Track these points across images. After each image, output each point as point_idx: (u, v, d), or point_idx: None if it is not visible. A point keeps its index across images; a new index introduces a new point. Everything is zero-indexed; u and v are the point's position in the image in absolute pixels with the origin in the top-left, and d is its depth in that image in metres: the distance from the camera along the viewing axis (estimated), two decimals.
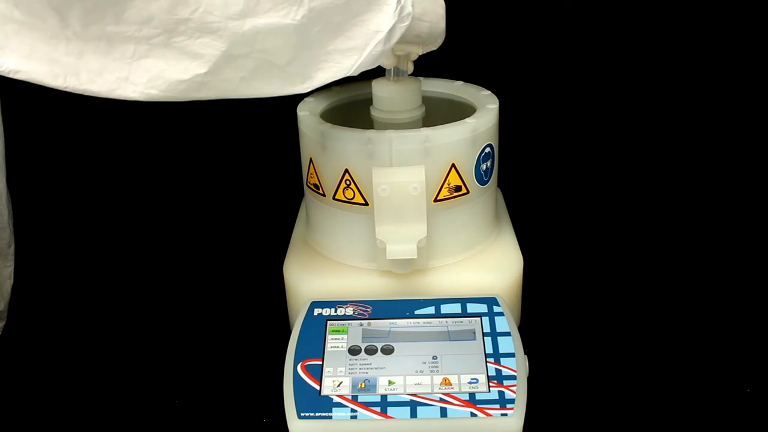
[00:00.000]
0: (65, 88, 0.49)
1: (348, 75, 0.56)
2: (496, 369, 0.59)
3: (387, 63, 0.69)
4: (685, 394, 0.66)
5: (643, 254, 0.88)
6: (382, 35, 0.55)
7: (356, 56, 0.55)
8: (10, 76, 0.48)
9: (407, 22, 0.56)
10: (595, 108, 1.04)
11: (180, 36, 0.49)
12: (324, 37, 0.54)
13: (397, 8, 0.55)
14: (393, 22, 0.55)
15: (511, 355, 0.61)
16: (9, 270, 0.74)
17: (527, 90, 1.01)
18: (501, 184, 0.80)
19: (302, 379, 0.60)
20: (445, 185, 0.67)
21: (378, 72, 0.72)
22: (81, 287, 0.86)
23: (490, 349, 0.61)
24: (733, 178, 1.00)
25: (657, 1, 0.98)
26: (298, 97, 0.75)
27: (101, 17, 0.47)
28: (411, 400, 0.58)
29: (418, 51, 0.67)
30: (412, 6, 0.57)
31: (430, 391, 0.58)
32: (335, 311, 0.66)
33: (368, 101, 0.74)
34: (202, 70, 0.50)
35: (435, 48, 0.66)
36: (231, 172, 1.06)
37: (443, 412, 0.56)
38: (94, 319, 0.80)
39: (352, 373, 0.60)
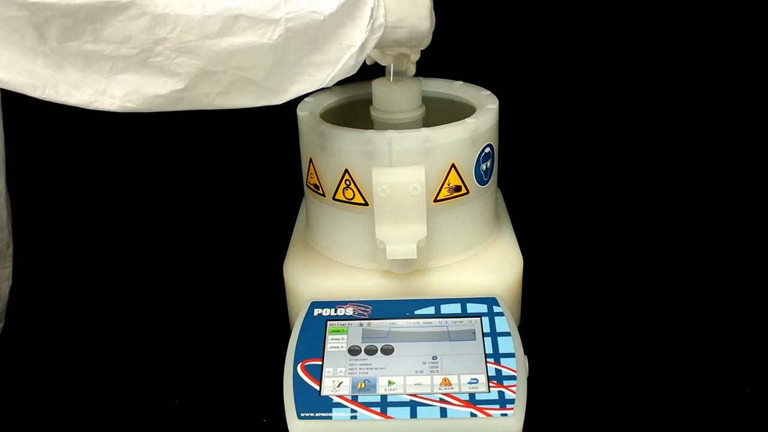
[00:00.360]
0: (44, 98, 0.49)
1: (321, 87, 0.57)
2: (496, 369, 0.59)
3: (383, 61, 0.69)
4: (685, 394, 0.66)
5: (643, 254, 0.88)
6: (354, 49, 0.56)
7: (330, 69, 0.56)
8: None
9: (379, 33, 0.57)
10: (595, 108, 1.04)
11: (158, 56, 0.49)
12: (299, 53, 0.55)
13: (369, 22, 0.56)
14: (365, 36, 0.56)
15: (511, 355, 0.61)
16: (7, 271, 0.74)
17: (527, 90, 1.01)
18: (501, 184, 0.80)
19: (302, 379, 0.59)
20: (445, 185, 0.67)
21: (378, 72, 0.72)
22: (80, 288, 0.85)
23: (490, 350, 0.61)
24: (733, 178, 1.00)
25: (657, 1, 0.98)
26: (296, 98, 0.75)
27: (79, 34, 0.48)
28: (411, 400, 0.57)
29: (407, 51, 0.67)
30: (385, 17, 0.57)
31: (430, 391, 0.58)
32: (335, 311, 0.66)
33: (368, 101, 0.74)
34: (179, 86, 0.51)
35: (423, 47, 0.66)
36: (231, 173, 1.05)
37: (443, 413, 0.56)
38: (94, 319, 0.80)
39: (352, 374, 0.60)
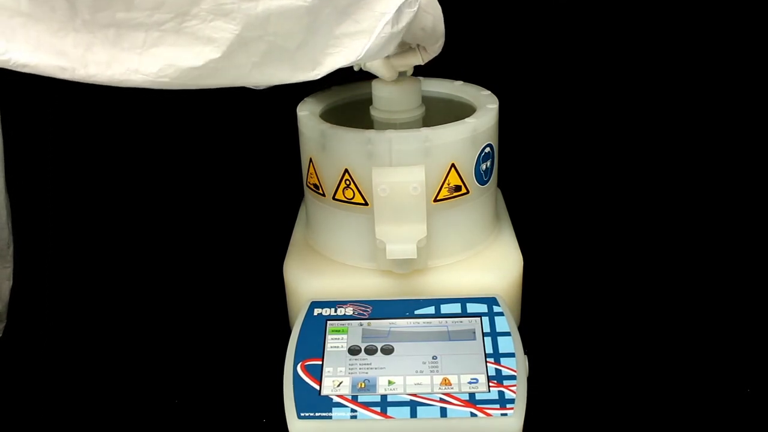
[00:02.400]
0: (73, 79, 0.48)
1: (358, 60, 0.55)
2: (496, 369, 0.59)
3: (388, 75, 0.69)
4: (685, 394, 0.66)
5: (643, 254, 0.88)
6: (389, 17, 0.55)
7: (365, 40, 0.55)
8: (18, 69, 0.47)
9: (414, 8, 0.56)
10: (595, 108, 1.04)
11: (193, 20, 0.48)
12: (332, 21, 0.54)
13: None
14: (398, 3, 0.55)
15: (511, 355, 0.61)
16: (8, 271, 0.74)
17: (527, 90, 1.01)
18: (501, 184, 0.80)
19: (302, 379, 0.59)
20: (445, 185, 0.67)
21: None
22: (81, 288, 0.85)
23: (490, 349, 0.61)
24: (733, 177, 1.00)
25: (657, 0, 0.98)
26: (299, 97, 0.75)
27: (111, 3, 0.46)
28: (411, 400, 0.58)
29: (419, 61, 0.67)
30: None
31: (430, 391, 0.58)
32: (335, 311, 0.66)
33: (368, 101, 0.74)
34: (216, 54, 0.50)
35: (434, 54, 0.66)
36: (231, 172, 1.05)
37: (443, 412, 0.56)
38: (95, 319, 0.80)
39: (352, 373, 0.60)
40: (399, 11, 0.55)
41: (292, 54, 0.53)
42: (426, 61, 0.67)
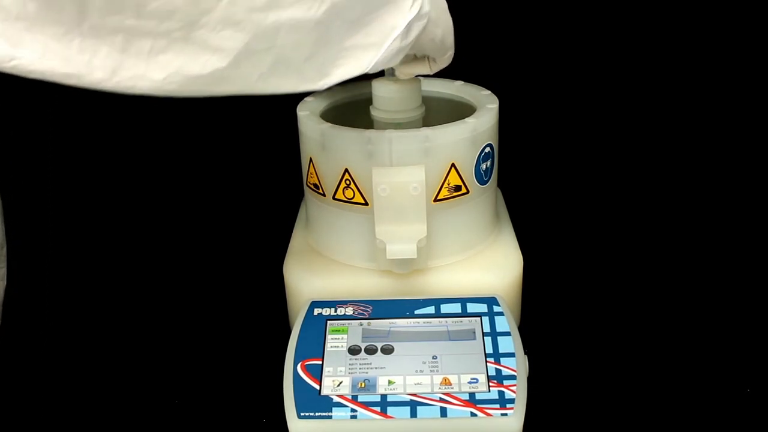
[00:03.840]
0: (80, 86, 0.48)
1: (365, 72, 0.55)
2: (496, 369, 0.59)
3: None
4: (685, 394, 0.66)
5: (643, 254, 0.88)
6: (399, 31, 0.55)
7: (374, 52, 0.55)
8: (24, 75, 0.47)
9: (424, 21, 0.56)
10: (596, 108, 1.04)
11: (202, 29, 0.48)
12: (342, 33, 0.53)
13: (413, 5, 0.55)
14: (410, 18, 0.55)
15: (511, 354, 0.61)
16: (2, 272, 0.74)
17: (527, 90, 1.01)
18: (501, 184, 0.80)
19: (302, 378, 0.59)
20: (445, 185, 0.67)
21: (378, 72, 0.72)
22: (78, 288, 0.85)
23: (490, 349, 0.61)
24: (733, 177, 1.00)
25: (657, 1, 0.98)
26: (299, 97, 0.75)
27: (123, 8, 0.46)
28: (411, 399, 0.58)
29: (427, 71, 0.67)
30: (429, 7, 0.57)
31: (430, 390, 0.58)
32: (335, 311, 0.66)
33: (368, 101, 0.74)
34: (222, 64, 0.49)
35: (444, 65, 0.66)
36: (231, 172, 1.05)
37: (443, 412, 0.56)
38: (93, 319, 0.80)
39: (352, 373, 0.60)
40: (409, 25, 0.55)
41: (300, 65, 0.53)
42: (435, 71, 0.67)
